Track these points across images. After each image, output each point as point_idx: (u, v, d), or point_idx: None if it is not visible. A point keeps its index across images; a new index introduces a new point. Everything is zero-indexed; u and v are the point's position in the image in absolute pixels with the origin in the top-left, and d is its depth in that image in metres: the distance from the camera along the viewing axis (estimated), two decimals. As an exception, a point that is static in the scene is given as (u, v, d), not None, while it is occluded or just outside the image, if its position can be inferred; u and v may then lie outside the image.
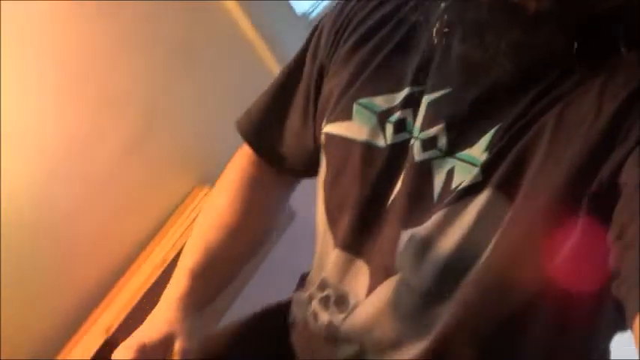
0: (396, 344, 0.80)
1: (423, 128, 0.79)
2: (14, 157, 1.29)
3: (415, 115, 0.80)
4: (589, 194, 0.67)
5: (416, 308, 0.78)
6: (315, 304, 0.89)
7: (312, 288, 0.91)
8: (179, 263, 0.98)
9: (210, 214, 1.04)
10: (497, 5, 0.72)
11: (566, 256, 0.69)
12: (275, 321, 1.00)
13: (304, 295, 0.93)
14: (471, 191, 0.74)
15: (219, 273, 0.99)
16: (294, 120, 0.99)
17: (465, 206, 0.74)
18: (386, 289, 0.79)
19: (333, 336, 0.85)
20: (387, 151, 0.81)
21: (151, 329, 0.87)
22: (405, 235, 0.77)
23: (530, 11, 0.70)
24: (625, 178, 0.65)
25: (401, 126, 0.81)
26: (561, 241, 0.69)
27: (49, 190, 1.36)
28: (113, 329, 1.34)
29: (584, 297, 0.71)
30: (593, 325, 0.78)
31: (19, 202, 1.31)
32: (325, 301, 0.87)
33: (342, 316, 0.84)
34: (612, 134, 0.67)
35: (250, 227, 1.03)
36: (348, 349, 0.85)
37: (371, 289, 0.81)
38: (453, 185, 0.76)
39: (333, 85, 0.90)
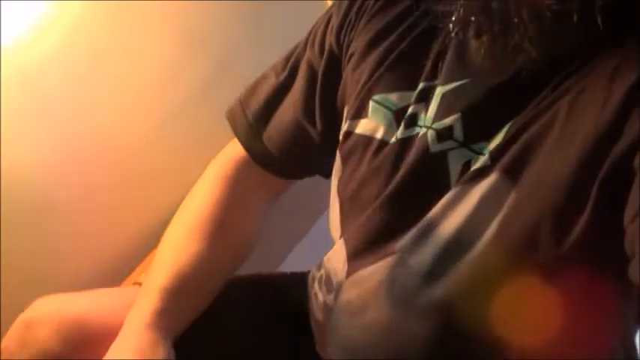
0: (387, 327, 0.79)
1: (436, 119, 0.78)
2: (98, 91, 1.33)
3: (427, 107, 0.80)
4: (601, 178, 0.67)
5: (412, 289, 0.77)
6: (315, 285, 0.89)
7: (315, 270, 0.91)
8: (147, 281, 0.90)
9: (189, 219, 0.96)
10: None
11: (575, 244, 0.69)
12: (295, 290, 0.97)
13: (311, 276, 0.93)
14: (478, 175, 0.74)
15: (198, 289, 0.91)
16: (292, 114, 0.96)
17: (470, 189, 0.74)
18: (381, 268, 0.79)
19: (328, 317, 0.85)
20: (397, 146, 0.81)
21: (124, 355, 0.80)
22: (422, 221, 0.77)
23: (552, 11, 0.69)
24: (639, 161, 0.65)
25: (412, 120, 0.81)
26: (569, 227, 0.69)
27: (121, 126, 1.38)
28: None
29: (595, 282, 0.72)
30: (611, 313, 0.78)
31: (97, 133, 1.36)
32: (320, 281, 0.88)
33: (331, 295, 0.85)
34: (622, 117, 0.67)
35: (235, 233, 0.97)
36: (340, 332, 0.84)
37: (352, 269, 0.81)
38: (469, 172, 0.76)
39: (351, 82, 0.88)
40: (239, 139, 1.01)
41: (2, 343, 0.90)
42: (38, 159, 1.24)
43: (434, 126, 0.78)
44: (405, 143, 0.80)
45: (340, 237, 0.86)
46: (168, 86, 1.44)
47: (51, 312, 0.89)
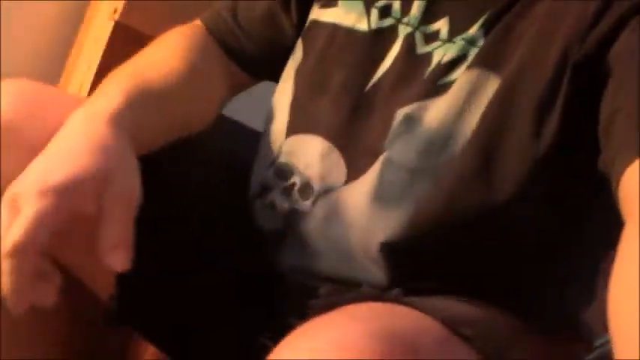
0: (368, 225, 0.76)
1: (424, 21, 0.79)
2: None
3: (405, 3, 0.81)
4: (573, 64, 0.70)
5: (398, 185, 0.76)
6: (274, 194, 0.82)
7: (266, 176, 0.83)
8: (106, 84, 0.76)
9: (162, 51, 0.84)
10: None
11: (555, 134, 0.71)
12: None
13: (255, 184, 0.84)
14: (456, 65, 0.76)
15: (169, 104, 0.77)
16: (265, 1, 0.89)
17: (451, 80, 0.75)
18: (373, 170, 0.77)
19: (295, 223, 0.80)
20: (370, 36, 0.81)
21: (74, 161, 0.64)
22: (398, 115, 0.77)
23: None
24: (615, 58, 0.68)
25: (386, 12, 0.81)
26: (550, 115, 0.71)
27: None
28: (119, 11, 1.23)
29: (577, 176, 0.73)
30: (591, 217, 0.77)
31: None
32: (286, 189, 0.81)
33: (307, 202, 0.79)
34: (604, 8, 0.70)
35: (204, 82, 0.84)
36: (310, 237, 0.79)
37: (352, 175, 0.78)
38: (445, 60, 0.77)
39: None
40: (203, 21, 0.91)
41: None
42: None
43: (421, 29, 0.79)
44: (379, 35, 0.81)
45: (301, 132, 0.82)
46: None
47: None
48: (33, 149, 0.66)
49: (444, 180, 0.74)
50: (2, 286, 0.60)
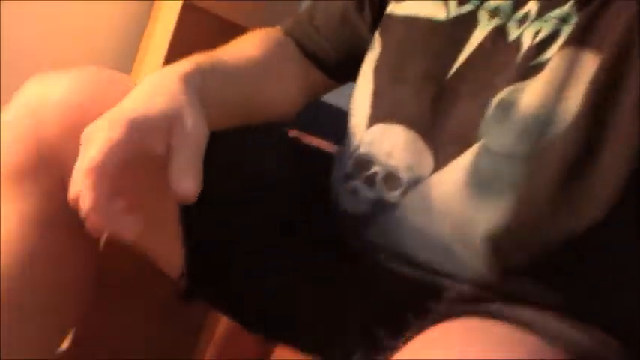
0: (466, 215, 0.74)
1: (515, 10, 0.78)
2: None
3: None
4: None
5: (496, 172, 0.73)
6: (356, 183, 0.81)
7: (347, 166, 0.82)
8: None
9: (240, 47, 0.87)
10: None
11: None
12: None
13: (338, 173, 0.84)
14: (549, 43, 0.74)
15: (238, 85, 0.81)
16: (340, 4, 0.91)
17: (544, 59, 0.73)
18: (466, 158, 0.74)
19: (380, 213, 0.79)
20: (449, 24, 0.80)
21: (147, 102, 0.67)
22: (493, 102, 0.74)
23: None
24: None
25: None
26: None
27: None
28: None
29: None
30: None
31: None
32: (369, 179, 0.80)
33: (395, 192, 0.78)
34: None
35: (272, 94, 0.87)
36: (396, 227, 0.77)
37: (440, 163, 0.76)
38: (537, 40, 0.75)
39: None
40: (283, 27, 0.93)
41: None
42: None
43: (513, 17, 0.78)
44: (459, 21, 0.80)
45: (382, 122, 0.81)
46: None
47: (52, 99, 0.76)
48: None
49: (546, 165, 0.71)
50: (82, 205, 0.62)
